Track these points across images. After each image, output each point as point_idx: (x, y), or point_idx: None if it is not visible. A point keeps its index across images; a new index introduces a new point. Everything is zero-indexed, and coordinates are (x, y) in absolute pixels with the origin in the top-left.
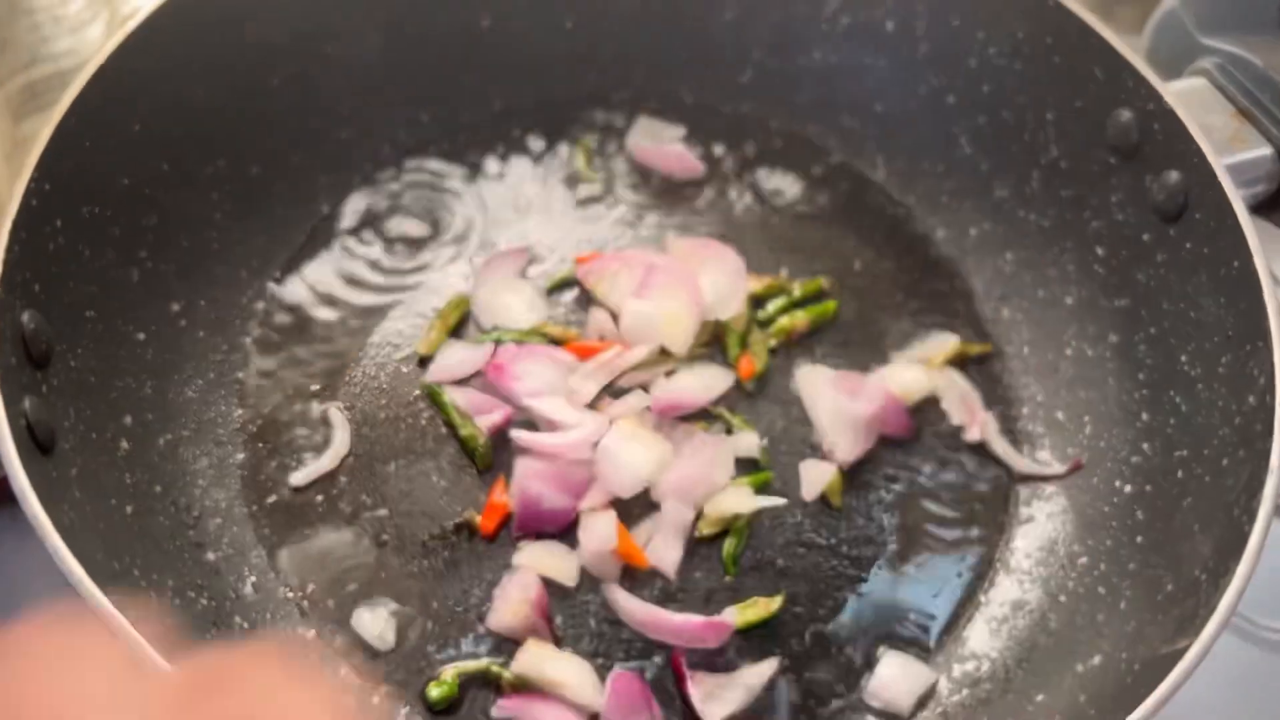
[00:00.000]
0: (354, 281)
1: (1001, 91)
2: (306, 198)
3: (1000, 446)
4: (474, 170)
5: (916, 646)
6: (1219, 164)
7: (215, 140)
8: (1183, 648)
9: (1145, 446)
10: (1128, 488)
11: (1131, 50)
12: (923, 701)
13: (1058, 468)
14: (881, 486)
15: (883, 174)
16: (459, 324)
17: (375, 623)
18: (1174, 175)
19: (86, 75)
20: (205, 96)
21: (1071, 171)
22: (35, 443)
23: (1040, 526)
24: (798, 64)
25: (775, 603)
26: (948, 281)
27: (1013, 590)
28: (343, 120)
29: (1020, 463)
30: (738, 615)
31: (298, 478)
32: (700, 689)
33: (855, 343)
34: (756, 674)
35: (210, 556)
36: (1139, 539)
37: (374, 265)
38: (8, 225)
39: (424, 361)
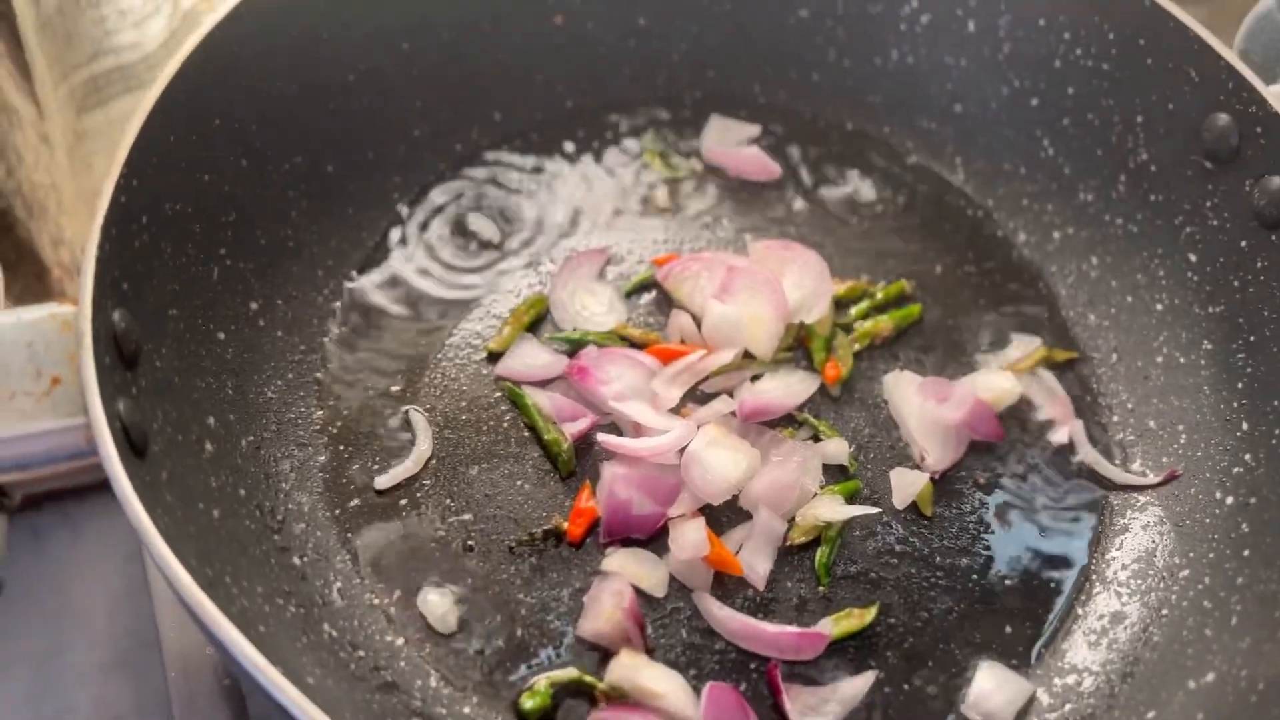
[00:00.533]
0: (430, 281)
1: (1088, 93)
2: (381, 196)
3: (1090, 454)
4: (548, 169)
5: (1015, 659)
6: None
7: (292, 137)
8: None
9: (1247, 457)
10: (1229, 499)
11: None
12: (1022, 715)
13: (1151, 477)
14: (973, 495)
15: (962, 176)
16: (534, 324)
17: (441, 603)
18: (1276, 181)
19: (172, 70)
20: (282, 92)
21: (1162, 176)
22: (131, 446)
23: (1136, 537)
24: (874, 64)
25: (869, 614)
26: (1031, 286)
27: (1111, 602)
28: (417, 117)
29: (1112, 471)
30: (833, 627)
31: (382, 481)
32: (796, 703)
33: (938, 347)
34: (853, 688)
35: (296, 561)
36: (1245, 552)
37: (450, 265)
38: (99, 222)
39: (496, 358)
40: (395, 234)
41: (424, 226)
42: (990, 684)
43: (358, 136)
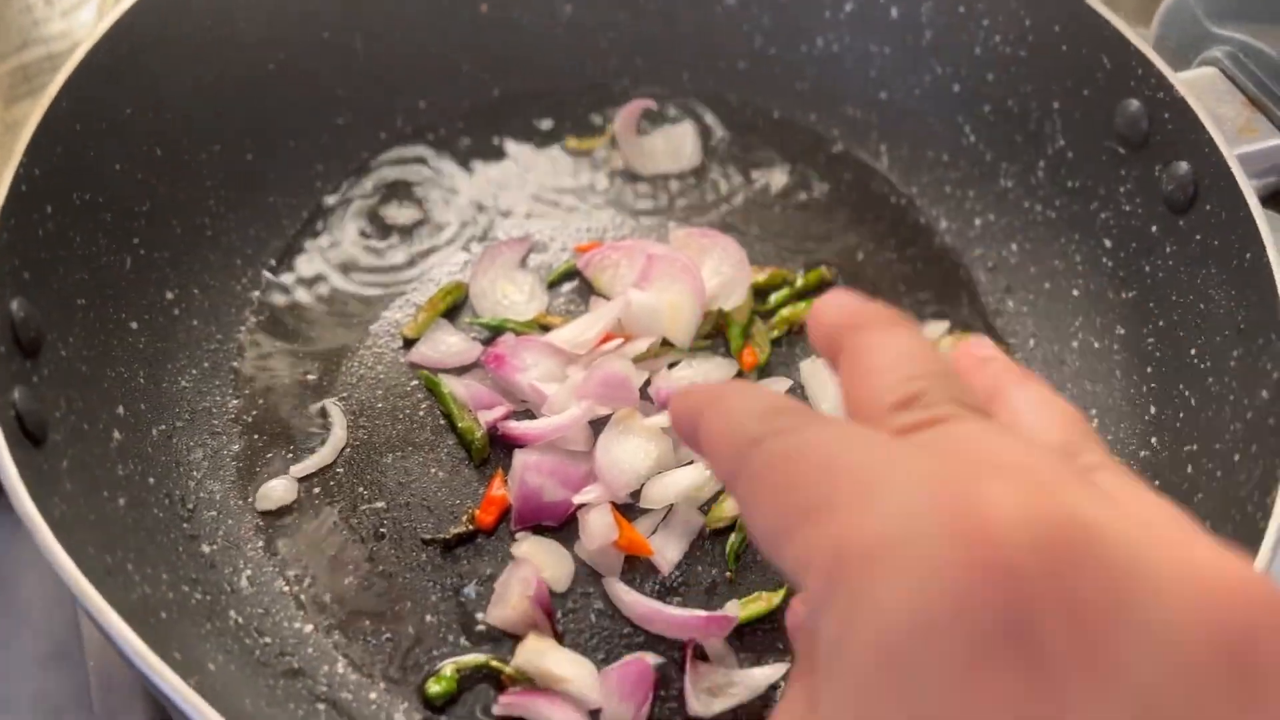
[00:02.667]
0: (351, 271)
1: (1006, 80)
2: (302, 185)
3: None
4: (472, 157)
5: None
6: (1230, 154)
7: (209, 126)
8: None
9: (1154, 441)
10: None
11: (1140, 39)
12: None
13: None
14: None
15: (885, 163)
16: (450, 310)
17: (282, 488)
18: (1184, 166)
19: (78, 57)
20: (199, 81)
21: (1078, 162)
22: (25, 434)
23: None
24: (800, 51)
25: (778, 597)
26: (952, 273)
27: None
28: (339, 106)
29: None
30: (740, 610)
31: (297, 469)
32: (704, 681)
33: None
34: (764, 675)
35: (205, 549)
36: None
37: (371, 254)
38: None
39: (411, 345)
40: (317, 223)
41: (346, 215)
42: None
43: (278, 125)
